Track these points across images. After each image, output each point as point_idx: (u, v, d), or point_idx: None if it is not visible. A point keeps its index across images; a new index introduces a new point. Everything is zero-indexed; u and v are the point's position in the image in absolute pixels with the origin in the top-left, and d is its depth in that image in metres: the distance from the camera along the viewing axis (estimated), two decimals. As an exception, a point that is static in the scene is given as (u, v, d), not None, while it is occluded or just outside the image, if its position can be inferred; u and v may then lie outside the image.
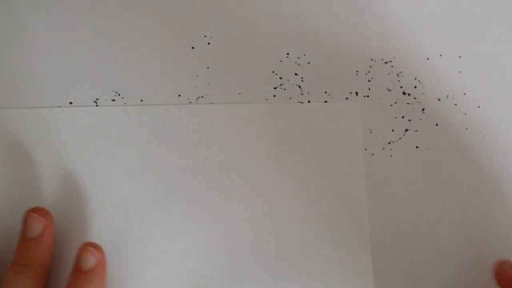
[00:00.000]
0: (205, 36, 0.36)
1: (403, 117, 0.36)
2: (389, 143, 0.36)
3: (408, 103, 0.36)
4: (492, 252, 0.34)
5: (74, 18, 0.36)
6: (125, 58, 0.36)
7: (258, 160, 0.34)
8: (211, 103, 0.35)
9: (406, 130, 0.36)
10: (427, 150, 0.35)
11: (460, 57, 0.37)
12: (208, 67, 0.36)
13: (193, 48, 0.36)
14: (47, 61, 0.35)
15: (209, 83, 0.36)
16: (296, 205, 0.34)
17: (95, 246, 0.31)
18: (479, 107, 0.36)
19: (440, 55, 0.37)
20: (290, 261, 0.33)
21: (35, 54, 0.35)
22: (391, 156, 0.35)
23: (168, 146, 0.34)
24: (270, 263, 0.33)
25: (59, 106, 0.35)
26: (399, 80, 0.36)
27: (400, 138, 0.36)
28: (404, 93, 0.36)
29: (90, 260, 0.30)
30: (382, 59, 0.36)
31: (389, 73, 0.36)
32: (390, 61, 0.36)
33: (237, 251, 0.33)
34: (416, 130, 0.36)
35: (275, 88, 0.36)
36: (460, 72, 0.36)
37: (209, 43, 0.36)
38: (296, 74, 0.36)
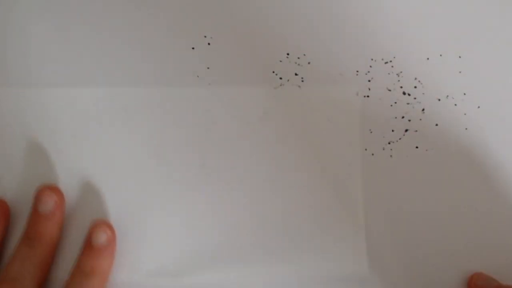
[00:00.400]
0: (205, 37, 0.36)
1: (403, 117, 0.36)
2: (389, 143, 0.36)
3: (408, 103, 0.36)
4: (492, 252, 0.34)
5: (73, 18, 0.36)
6: (125, 58, 0.36)
7: (259, 152, 0.35)
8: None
9: (406, 130, 0.36)
10: (427, 150, 0.35)
11: (460, 57, 0.37)
12: (208, 68, 0.36)
13: (193, 48, 0.36)
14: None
15: (209, 83, 0.36)
16: (295, 197, 0.34)
17: (107, 224, 0.32)
18: (479, 107, 0.36)
19: (440, 55, 0.37)
20: (287, 247, 0.34)
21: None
22: (391, 156, 0.35)
23: (170, 127, 0.35)
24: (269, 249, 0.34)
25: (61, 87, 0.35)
26: (399, 80, 0.36)
27: (400, 138, 0.36)
28: (404, 93, 0.36)
29: (102, 237, 0.31)
30: (382, 59, 0.36)
31: (389, 73, 0.36)
32: (390, 61, 0.36)
33: (237, 230, 0.34)
34: (416, 130, 0.36)
35: (275, 88, 0.36)
36: (460, 72, 0.36)
37: (209, 44, 0.36)
38: (296, 74, 0.36)
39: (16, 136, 0.34)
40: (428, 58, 0.37)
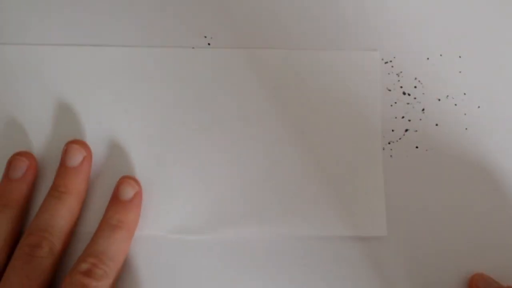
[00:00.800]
0: (205, 37, 0.36)
1: (403, 117, 0.36)
2: (389, 143, 0.36)
3: (408, 103, 0.36)
4: (491, 253, 0.34)
5: (73, 17, 0.36)
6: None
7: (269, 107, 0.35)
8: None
9: (406, 130, 0.36)
10: (427, 150, 0.35)
11: (460, 57, 0.37)
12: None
13: (193, 48, 0.36)
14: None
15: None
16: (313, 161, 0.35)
17: (134, 179, 0.33)
18: (479, 107, 0.36)
19: (440, 55, 0.37)
20: (304, 208, 0.34)
21: None
22: (391, 156, 0.35)
23: (190, 87, 0.35)
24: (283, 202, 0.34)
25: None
26: (399, 80, 0.36)
27: (400, 138, 0.36)
28: (404, 93, 0.36)
29: (129, 191, 0.33)
30: (382, 59, 0.36)
31: (389, 73, 0.36)
32: (390, 61, 0.37)
33: (257, 191, 0.34)
34: (416, 130, 0.36)
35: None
36: (460, 72, 0.36)
37: (209, 44, 0.36)
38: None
39: (43, 93, 0.35)
40: (428, 58, 0.37)
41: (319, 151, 0.35)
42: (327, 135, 0.35)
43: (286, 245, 0.34)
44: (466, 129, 0.36)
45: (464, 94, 0.36)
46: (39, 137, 0.34)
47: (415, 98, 0.36)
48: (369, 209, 0.34)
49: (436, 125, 0.36)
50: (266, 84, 0.36)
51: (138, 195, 0.33)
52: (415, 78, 0.36)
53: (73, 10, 0.36)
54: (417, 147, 0.35)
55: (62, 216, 0.31)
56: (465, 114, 0.36)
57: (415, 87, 0.36)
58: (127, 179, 0.33)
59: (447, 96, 0.36)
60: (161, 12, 0.37)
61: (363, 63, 0.36)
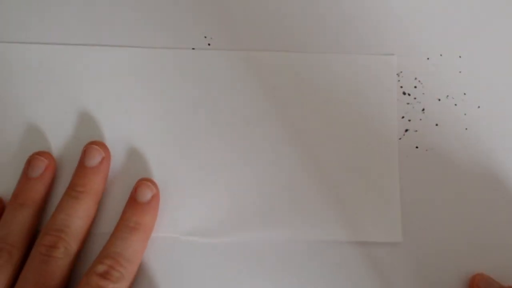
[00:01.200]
0: (205, 37, 0.36)
1: (403, 117, 0.36)
2: (389, 143, 0.36)
3: (408, 103, 0.36)
4: (491, 252, 0.34)
5: (74, 17, 0.36)
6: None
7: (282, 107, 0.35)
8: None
9: (406, 130, 0.36)
10: (427, 150, 0.35)
11: (460, 57, 0.37)
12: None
13: (193, 49, 0.36)
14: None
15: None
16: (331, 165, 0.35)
17: (152, 181, 0.33)
18: (479, 107, 0.36)
19: (440, 55, 0.37)
20: (319, 213, 0.34)
21: None
22: (391, 156, 0.35)
23: (204, 90, 0.36)
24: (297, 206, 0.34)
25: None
26: (399, 80, 0.36)
27: (400, 138, 0.36)
28: (404, 93, 0.36)
29: (147, 194, 0.33)
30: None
31: (389, 73, 0.36)
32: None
33: (270, 196, 0.34)
34: (416, 130, 0.36)
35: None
36: (460, 72, 0.36)
37: (209, 44, 0.36)
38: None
39: (62, 94, 0.35)
40: (428, 58, 0.37)
41: (332, 155, 0.35)
42: (340, 139, 0.35)
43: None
44: (466, 129, 0.36)
45: (464, 94, 0.36)
46: (56, 139, 0.35)
47: (415, 98, 0.36)
48: (383, 214, 0.34)
49: (436, 125, 0.36)
50: (275, 86, 0.36)
51: (156, 197, 0.33)
52: (415, 78, 0.36)
53: (72, 9, 0.36)
54: (417, 147, 0.35)
55: (78, 216, 0.31)
56: (465, 114, 0.36)
57: (415, 87, 0.36)
58: (145, 181, 0.33)
59: (447, 96, 0.36)
60: (161, 12, 0.37)
61: (380, 67, 0.36)
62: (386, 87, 0.36)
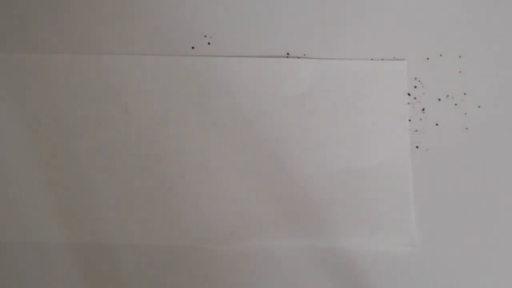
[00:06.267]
0: (205, 36, 0.36)
1: (403, 117, 0.36)
2: (389, 143, 0.36)
3: (408, 103, 0.36)
4: (491, 253, 0.34)
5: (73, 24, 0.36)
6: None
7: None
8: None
9: (406, 130, 0.36)
10: (427, 150, 0.35)
11: (460, 57, 0.37)
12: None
13: (193, 48, 0.36)
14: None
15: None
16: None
17: None
18: (479, 107, 0.36)
19: (440, 55, 0.37)
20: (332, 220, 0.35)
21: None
22: (391, 156, 0.35)
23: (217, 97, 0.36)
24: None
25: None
26: (399, 80, 0.36)
27: (400, 138, 0.36)
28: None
29: None
30: (382, 59, 0.36)
31: (389, 73, 0.36)
32: (390, 61, 0.37)
33: (286, 203, 0.35)
34: (416, 130, 0.36)
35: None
36: (460, 72, 0.36)
37: (209, 43, 0.36)
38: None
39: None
40: (428, 58, 0.37)
41: (346, 161, 0.35)
42: (352, 144, 0.35)
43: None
44: (466, 128, 0.36)
45: (464, 94, 0.36)
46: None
47: (415, 98, 0.36)
48: (396, 219, 0.34)
49: (436, 125, 0.36)
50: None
51: None
52: (415, 78, 0.36)
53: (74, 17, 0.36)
54: (417, 147, 0.35)
55: None
56: (465, 114, 0.36)
57: (415, 87, 0.36)
58: None
59: (447, 96, 0.36)
60: (162, 12, 0.37)
61: (390, 71, 0.36)
62: (396, 90, 0.36)
